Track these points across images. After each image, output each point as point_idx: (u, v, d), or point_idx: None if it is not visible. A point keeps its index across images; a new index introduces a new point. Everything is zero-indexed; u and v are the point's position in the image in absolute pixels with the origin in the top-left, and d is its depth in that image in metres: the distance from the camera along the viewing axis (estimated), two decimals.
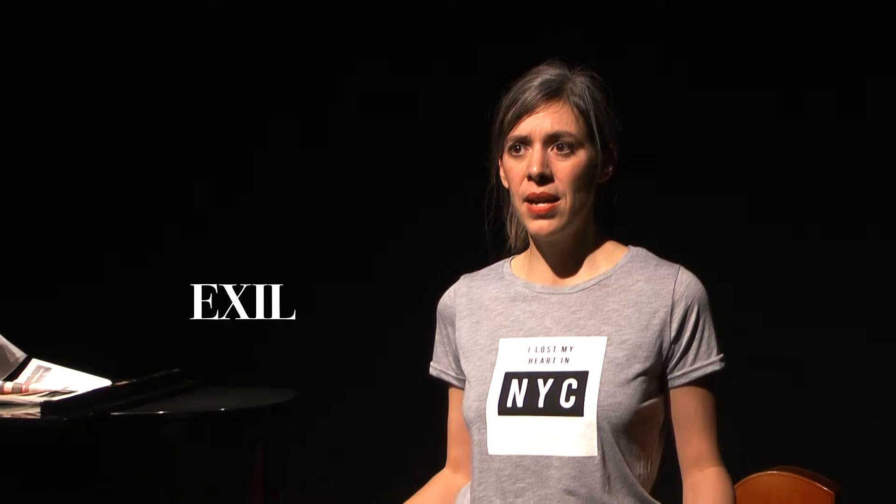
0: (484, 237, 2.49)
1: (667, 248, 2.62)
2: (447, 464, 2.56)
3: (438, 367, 2.53)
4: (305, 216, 7.28)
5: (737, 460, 2.68)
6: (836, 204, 6.53)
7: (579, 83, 2.40)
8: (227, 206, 7.48)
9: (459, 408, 2.45)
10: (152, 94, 7.60)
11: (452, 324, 2.48)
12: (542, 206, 2.34)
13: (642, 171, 6.43)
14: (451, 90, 6.46)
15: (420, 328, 2.68)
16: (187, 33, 7.34)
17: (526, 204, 2.36)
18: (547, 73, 2.40)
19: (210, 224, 7.48)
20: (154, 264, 7.55)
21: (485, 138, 2.49)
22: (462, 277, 2.54)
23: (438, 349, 2.53)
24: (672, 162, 6.57)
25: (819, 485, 6.24)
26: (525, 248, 2.49)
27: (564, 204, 2.36)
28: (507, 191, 2.45)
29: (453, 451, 2.54)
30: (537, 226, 2.36)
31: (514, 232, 2.51)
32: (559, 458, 2.31)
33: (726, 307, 2.60)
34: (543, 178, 2.34)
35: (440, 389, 2.54)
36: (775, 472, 6.31)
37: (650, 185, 6.23)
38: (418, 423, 3.56)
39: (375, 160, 7.02)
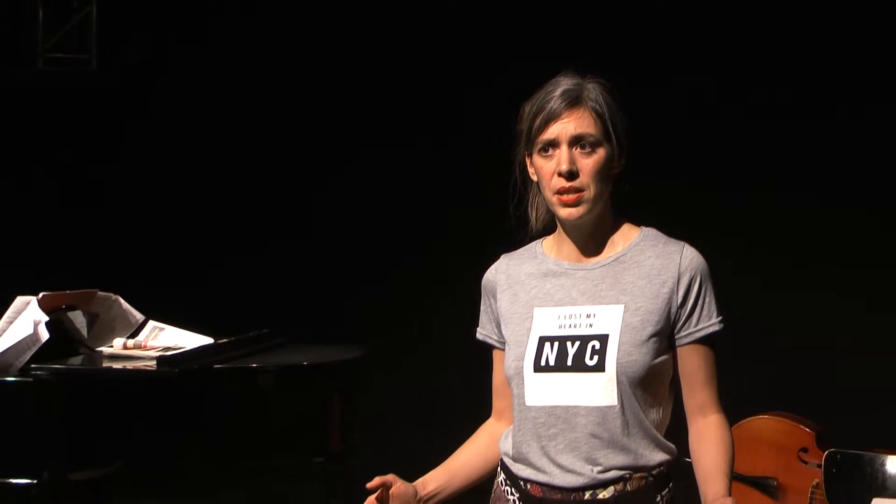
0: (509, 220, 2.49)
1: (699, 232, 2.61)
2: (492, 414, 2.57)
3: (483, 332, 2.53)
4: (395, 211, 7.31)
5: (735, 407, 2.65)
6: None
7: (593, 90, 2.39)
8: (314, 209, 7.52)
9: (502, 366, 2.46)
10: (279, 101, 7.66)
11: (494, 296, 2.48)
12: (570, 196, 2.34)
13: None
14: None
15: (469, 300, 2.67)
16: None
17: (557, 195, 2.35)
18: (565, 83, 2.39)
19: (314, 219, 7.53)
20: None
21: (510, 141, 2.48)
22: (502, 257, 2.53)
23: (483, 317, 2.53)
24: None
25: (803, 426, 6.20)
26: (544, 229, 2.48)
27: (589, 194, 2.35)
28: (533, 183, 2.44)
29: (497, 402, 2.54)
30: (567, 213, 2.36)
31: (534, 216, 2.50)
32: (585, 407, 2.31)
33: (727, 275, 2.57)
34: (571, 174, 2.33)
35: (486, 351, 2.54)
36: (766, 415, 6.29)
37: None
38: (467, 379, 3.55)
39: (445, 170, 7.02)
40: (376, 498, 2.39)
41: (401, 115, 7.32)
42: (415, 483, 2.47)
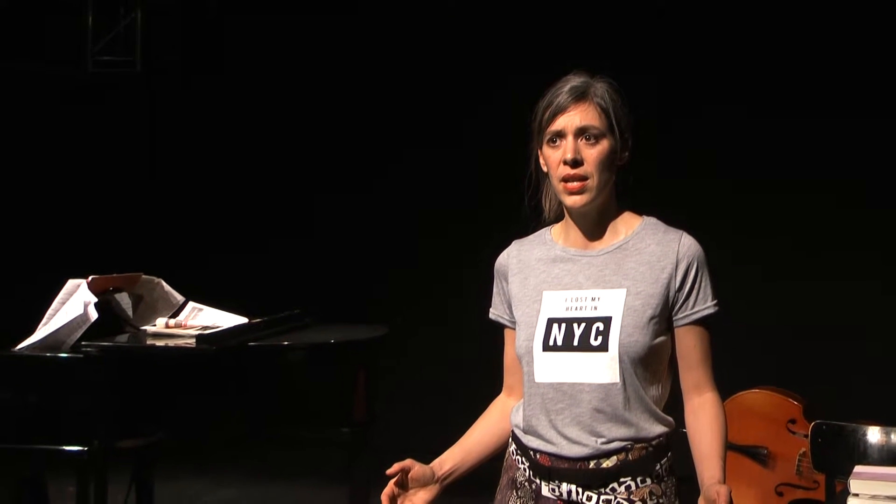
0: (524, 210, 2.47)
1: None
2: (503, 389, 2.55)
3: (496, 312, 2.51)
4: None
5: (728, 382, 2.63)
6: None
7: (600, 87, 2.37)
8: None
9: (513, 344, 2.44)
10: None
11: (506, 279, 2.46)
12: (574, 184, 2.32)
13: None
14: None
15: (482, 282, 2.66)
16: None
17: (562, 183, 2.34)
18: (574, 80, 2.38)
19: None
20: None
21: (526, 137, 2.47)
22: (513, 243, 2.52)
23: (496, 298, 2.51)
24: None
25: (791, 399, 6.19)
26: (557, 218, 2.46)
27: (592, 182, 2.33)
28: (545, 174, 2.42)
29: (508, 378, 2.53)
30: (571, 200, 2.34)
31: (548, 206, 2.48)
32: (589, 384, 2.29)
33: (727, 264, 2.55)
34: (576, 163, 2.31)
35: (498, 329, 2.52)
36: (758, 389, 6.28)
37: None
38: (480, 356, 3.54)
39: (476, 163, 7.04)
40: (396, 483, 2.37)
41: (434, 119, 7.33)
42: (432, 464, 2.44)
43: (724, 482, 2.23)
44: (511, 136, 2.66)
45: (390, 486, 2.36)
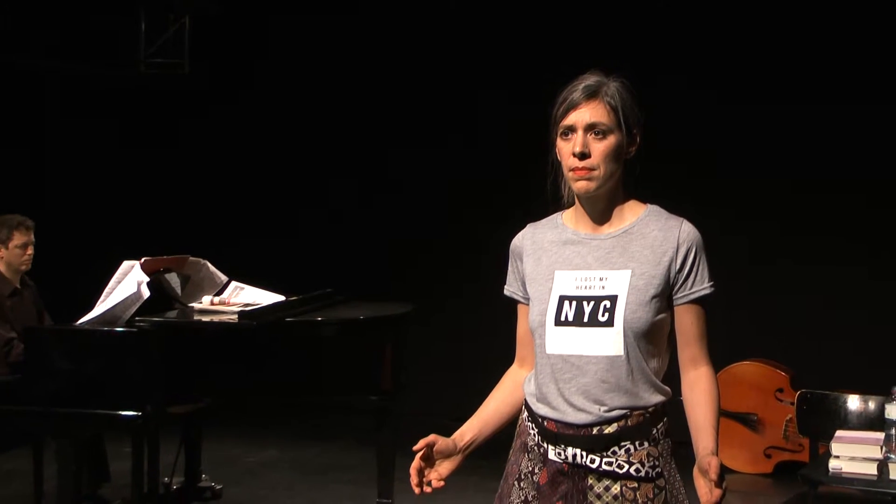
0: (545, 195, 2.45)
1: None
2: (515, 360, 2.53)
3: (510, 289, 2.49)
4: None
5: (722, 354, 2.61)
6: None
7: (612, 87, 2.34)
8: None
9: (526, 319, 2.43)
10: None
11: (521, 258, 2.44)
12: (581, 171, 2.30)
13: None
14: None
15: (498, 262, 2.64)
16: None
17: (571, 171, 2.32)
18: (589, 79, 2.35)
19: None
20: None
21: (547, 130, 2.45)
22: (528, 225, 2.50)
23: (510, 276, 2.49)
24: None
25: (779, 370, 6.17)
26: (572, 202, 2.44)
27: (598, 172, 2.31)
28: (561, 164, 2.41)
29: (520, 351, 2.51)
30: (578, 186, 2.32)
31: (566, 191, 2.46)
32: (596, 356, 2.27)
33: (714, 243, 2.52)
34: (583, 156, 2.29)
35: (511, 305, 2.50)
36: (749, 362, 6.26)
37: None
38: (494, 330, 3.53)
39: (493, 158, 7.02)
40: (422, 457, 2.36)
41: (448, 111, 7.31)
42: (453, 436, 2.42)
43: (717, 453, 2.22)
44: (513, 132, 2.63)
45: (417, 461, 2.35)
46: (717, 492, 2.13)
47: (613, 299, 2.29)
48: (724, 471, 2.15)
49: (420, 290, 6.27)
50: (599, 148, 2.32)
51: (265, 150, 7.84)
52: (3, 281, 5.06)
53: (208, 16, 7.66)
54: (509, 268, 2.51)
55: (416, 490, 2.34)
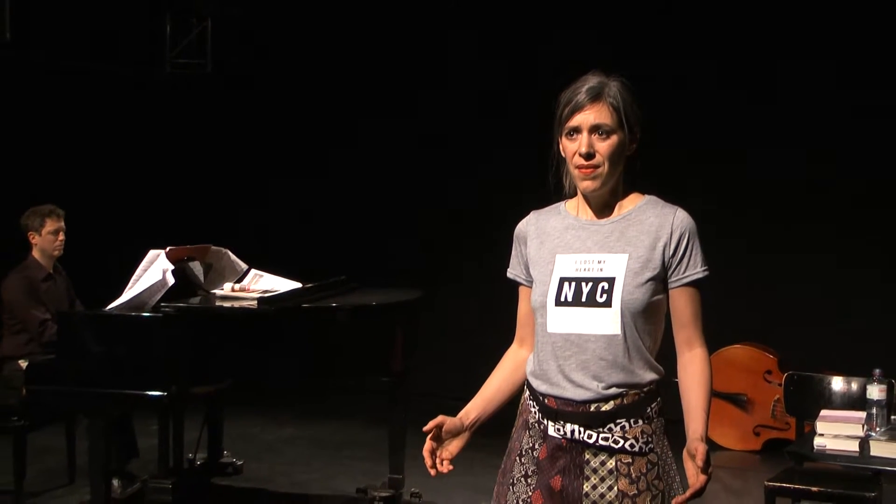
0: (548, 186, 2.44)
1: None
2: (515, 340, 2.53)
3: (513, 272, 2.49)
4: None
5: (715, 338, 2.59)
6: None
7: (614, 87, 2.33)
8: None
9: (527, 300, 2.42)
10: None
11: (525, 243, 2.44)
12: (587, 170, 2.29)
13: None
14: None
15: (501, 246, 2.62)
16: None
17: (577, 170, 2.31)
18: (592, 81, 2.34)
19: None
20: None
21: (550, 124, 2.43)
22: (532, 212, 2.49)
23: (514, 260, 2.49)
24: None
25: (768, 353, 6.15)
26: (574, 193, 2.43)
27: (603, 170, 2.30)
28: (564, 159, 2.39)
29: (520, 331, 2.50)
30: (584, 185, 2.32)
31: (567, 183, 2.44)
32: (594, 335, 2.26)
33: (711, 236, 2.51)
34: (589, 156, 2.28)
35: (511, 288, 2.49)
36: (740, 345, 6.24)
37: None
38: (495, 312, 3.51)
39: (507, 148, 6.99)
40: (432, 437, 2.35)
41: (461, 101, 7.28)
42: (459, 415, 2.41)
43: (706, 438, 2.22)
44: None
45: (429, 442, 2.35)
46: (703, 478, 2.13)
47: (611, 281, 2.29)
48: (710, 457, 2.14)
49: (428, 277, 6.28)
50: (604, 147, 2.32)
51: (286, 142, 7.85)
52: (38, 266, 5.09)
53: (229, 18, 7.69)
54: (513, 251, 2.50)
55: (432, 472, 2.35)
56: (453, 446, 2.39)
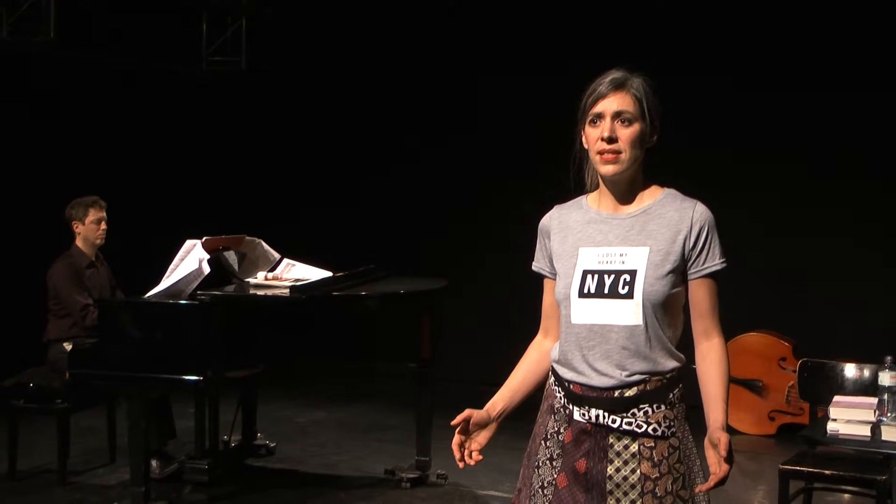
0: (570, 181, 2.43)
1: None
2: (540, 331, 2.51)
3: (538, 265, 2.48)
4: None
5: (732, 325, 2.57)
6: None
7: (636, 81, 2.32)
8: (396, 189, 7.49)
9: (551, 292, 2.41)
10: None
11: (549, 236, 2.43)
12: (609, 155, 2.28)
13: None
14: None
15: (527, 240, 2.61)
16: None
17: (599, 155, 2.30)
18: (615, 73, 2.34)
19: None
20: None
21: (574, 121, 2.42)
22: (555, 207, 2.48)
23: (538, 253, 2.47)
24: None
25: (783, 340, 6.11)
26: (595, 189, 2.42)
27: (624, 156, 2.29)
28: (587, 152, 2.38)
29: (545, 322, 2.49)
30: (605, 169, 2.30)
31: (589, 178, 2.43)
32: (617, 325, 2.25)
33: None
34: (611, 140, 2.27)
35: (537, 279, 2.48)
36: (755, 332, 6.20)
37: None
38: (522, 302, 3.50)
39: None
40: (460, 431, 2.35)
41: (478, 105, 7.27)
42: (486, 407, 2.40)
43: (726, 425, 2.20)
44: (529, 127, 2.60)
45: (457, 436, 2.34)
46: (725, 467, 2.11)
47: (633, 273, 2.27)
48: (732, 447, 2.13)
49: (451, 263, 6.27)
50: (626, 134, 2.30)
51: (313, 133, 7.86)
52: (81, 254, 5.13)
53: (262, 17, 7.70)
54: (537, 245, 2.49)
55: (460, 464, 2.34)
56: (482, 437, 2.39)
